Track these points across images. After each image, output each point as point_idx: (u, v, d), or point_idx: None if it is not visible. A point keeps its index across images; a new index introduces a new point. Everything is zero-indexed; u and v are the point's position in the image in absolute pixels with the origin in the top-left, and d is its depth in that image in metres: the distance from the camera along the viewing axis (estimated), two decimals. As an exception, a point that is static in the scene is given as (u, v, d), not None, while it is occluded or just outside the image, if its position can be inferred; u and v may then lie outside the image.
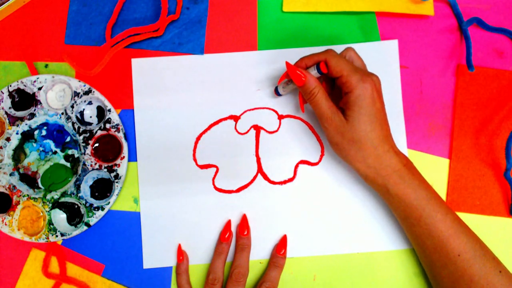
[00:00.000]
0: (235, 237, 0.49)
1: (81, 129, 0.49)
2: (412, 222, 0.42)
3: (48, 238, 0.48)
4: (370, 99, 0.40)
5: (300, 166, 0.49)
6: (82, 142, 0.49)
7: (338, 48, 0.50)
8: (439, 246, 0.41)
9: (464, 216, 0.47)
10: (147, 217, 0.49)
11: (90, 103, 0.50)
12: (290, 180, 0.49)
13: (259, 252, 0.48)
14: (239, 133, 0.50)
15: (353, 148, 0.41)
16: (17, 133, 0.50)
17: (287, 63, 0.43)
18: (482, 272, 0.40)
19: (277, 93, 0.49)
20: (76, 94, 0.49)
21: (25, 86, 0.49)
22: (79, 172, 0.49)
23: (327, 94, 0.42)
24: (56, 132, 0.50)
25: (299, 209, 0.49)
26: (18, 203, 0.49)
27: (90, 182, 0.50)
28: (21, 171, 0.50)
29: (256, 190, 0.49)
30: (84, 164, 0.49)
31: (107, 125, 0.49)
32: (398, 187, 0.41)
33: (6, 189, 0.49)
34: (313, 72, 0.43)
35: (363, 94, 0.40)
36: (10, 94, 0.50)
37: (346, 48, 0.44)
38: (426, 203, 0.41)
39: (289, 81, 0.46)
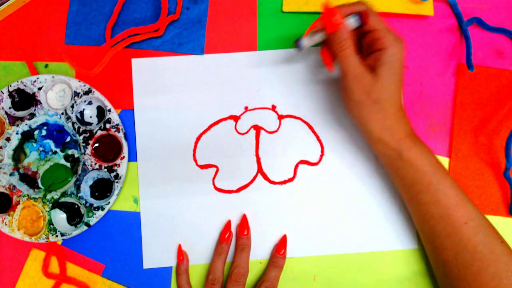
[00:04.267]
0: (235, 237, 0.49)
1: (81, 129, 0.49)
2: (420, 189, 0.41)
3: (48, 238, 0.48)
4: (401, 61, 0.40)
5: (300, 166, 0.49)
6: (82, 142, 0.49)
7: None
8: (446, 214, 0.40)
9: (464, 216, 0.48)
10: (147, 217, 0.49)
11: (90, 103, 0.50)
12: (290, 180, 0.49)
13: (259, 252, 0.48)
14: (239, 133, 0.50)
15: (375, 108, 0.41)
16: (17, 133, 0.50)
17: (325, 5, 0.40)
18: (486, 240, 0.39)
19: (298, 46, 0.44)
20: (76, 94, 0.49)
21: (25, 86, 0.49)
22: (79, 172, 0.49)
23: (357, 49, 0.41)
24: (56, 132, 0.50)
25: (299, 209, 0.49)
26: (18, 203, 0.49)
27: (90, 182, 0.50)
28: (21, 171, 0.50)
29: (256, 190, 0.49)
30: (84, 164, 0.49)
31: (107, 125, 0.49)
32: (412, 151, 0.41)
33: (6, 189, 0.49)
34: (350, 21, 0.40)
35: (397, 53, 0.40)
36: (10, 94, 0.50)
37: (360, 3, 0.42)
38: (436, 169, 0.41)
39: (316, 31, 0.43)
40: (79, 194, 0.49)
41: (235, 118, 0.50)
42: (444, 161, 0.49)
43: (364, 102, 0.41)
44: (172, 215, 0.49)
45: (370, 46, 0.41)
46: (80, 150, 0.49)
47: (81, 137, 0.49)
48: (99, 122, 0.50)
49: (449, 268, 0.41)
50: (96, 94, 0.49)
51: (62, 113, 0.49)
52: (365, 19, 0.41)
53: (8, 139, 0.49)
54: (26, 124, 0.50)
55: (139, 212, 0.49)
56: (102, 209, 0.48)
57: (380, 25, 0.41)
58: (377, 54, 0.40)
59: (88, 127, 0.49)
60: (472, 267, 0.39)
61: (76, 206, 0.49)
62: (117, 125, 0.49)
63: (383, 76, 0.40)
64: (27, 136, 0.50)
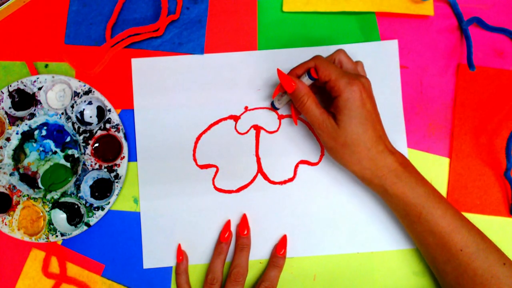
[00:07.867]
0: (234, 237, 0.49)
1: (81, 129, 0.49)
2: (412, 219, 0.42)
3: (48, 238, 0.48)
4: (359, 102, 0.40)
5: (300, 166, 0.49)
6: (82, 142, 0.49)
7: (338, 48, 0.50)
8: (441, 242, 0.41)
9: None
10: (147, 217, 0.49)
11: (90, 103, 0.50)
12: (290, 180, 0.49)
13: (259, 252, 0.48)
14: (239, 133, 0.50)
15: (347, 151, 0.42)
16: (17, 133, 0.50)
17: (278, 71, 0.43)
18: (485, 265, 0.40)
19: (273, 107, 0.49)
20: (76, 94, 0.49)
21: (25, 86, 0.49)
22: (79, 172, 0.49)
23: (317, 101, 0.43)
24: (56, 132, 0.50)
25: (299, 209, 0.49)
26: (18, 203, 0.49)
27: (90, 182, 0.50)
28: (21, 171, 0.50)
29: (256, 190, 0.49)
30: (84, 164, 0.49)
31: (107, 125, 0.49)
32: (396, 186, 0.41)
33: (6, 189, 0.49)
34: (305, 79, 0.43)
35: (352, 97, 0.40)
36: (10, 94, 0.50)
37: (336, 51, 0.44)
38: (425, 200, 0.41)
39: (283, 93, 0.46)
40: (79, 194, 0.49)
41: (235, 118, 0.50)
42: (445, 161, 0.49)
43: (334, 147, 0.42)
44: (172, 215, 0.49)
45: (330, 95, 0.43)
46: (80, 150, 0.49)
47: (81, 137, 0.49)
48: (99, 122, 0.50)
49: None
50: (96, 94, 0.49)
51: (62, 113, 0.49)
52: (316, 74, 0.42)
53: (8, 139, 0.49)
54: (26, 124, 0.50)
55: (139, 212, 0.49)
56: (102, 209, 0.48)
57: (331, 73, 0.41)
58: (335, 102, 0.42)
59: (88, 127, 0.49)
60: None
61: (76, 206, 0.49)
62: (117, 125, 0.49)
63: (344, 121, 0.41)
64: (27, 136, 0.50)
